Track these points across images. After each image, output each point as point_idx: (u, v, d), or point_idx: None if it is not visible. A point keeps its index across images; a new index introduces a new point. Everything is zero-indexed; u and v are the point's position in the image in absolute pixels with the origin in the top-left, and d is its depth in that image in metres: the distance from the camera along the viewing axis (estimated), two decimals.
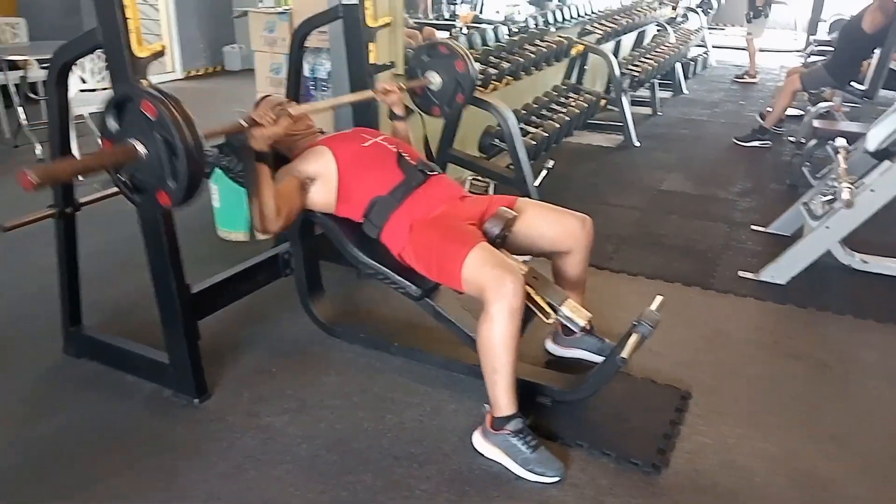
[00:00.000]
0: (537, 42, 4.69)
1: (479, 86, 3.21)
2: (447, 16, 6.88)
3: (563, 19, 5.41)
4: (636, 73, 5.69)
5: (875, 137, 3.18)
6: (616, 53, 6.24)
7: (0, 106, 5.28)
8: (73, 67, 2.26)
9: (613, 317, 2.70)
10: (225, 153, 2.60)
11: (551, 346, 2.54)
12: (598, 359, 2.37)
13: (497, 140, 3.73)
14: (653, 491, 1.94)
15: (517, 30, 4.86)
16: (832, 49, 5.67)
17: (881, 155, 3.14)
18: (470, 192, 3.39)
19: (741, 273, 3.25)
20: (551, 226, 2.27)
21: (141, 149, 1.68)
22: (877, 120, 3.31)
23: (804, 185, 4.22)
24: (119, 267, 3.14)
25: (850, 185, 2.87)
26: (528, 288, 1.98)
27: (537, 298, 2.02)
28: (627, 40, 7.00)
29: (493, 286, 1.91)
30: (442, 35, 4.80)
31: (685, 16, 8.56)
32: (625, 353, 1.93)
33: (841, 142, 3.29)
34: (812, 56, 7.16)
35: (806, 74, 5.41)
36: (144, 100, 1.63)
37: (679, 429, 2.18)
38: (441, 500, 1.89)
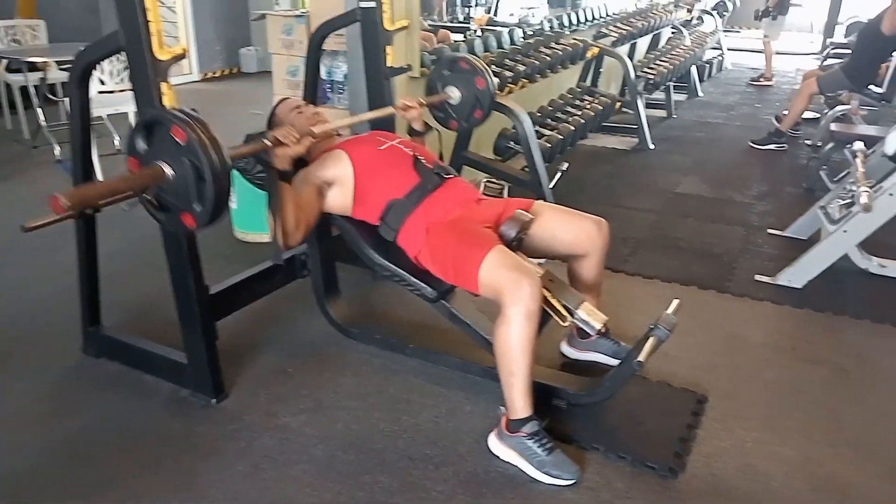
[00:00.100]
0: (552, 45, 4.70)
1: None
2: (461, 18, 6.90)
3: (579, 22, 5.41)
4: (651, 76, 5.68)
5: (894, 141, 3.16)
6: (631, 56, 6.25)
7: (19, 107, 5.33)
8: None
9: (628, 320, 2.70)
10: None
11: (566, 349, 2.54)
12: (614, 362, 2.38)
13: (512, 142, 3.73)
14: (669, 495, 1.94)
15: (532, 32, 4.86)
16: (849, 52, 5.63)
17: None
18: (484, 194, 3.40)
19: (758, 277, 3.23)
20: (567, 229, 2.27)
21: (168, 171, 1.68)
22: None
23: (821, 189, 4.20)
24: (138, 267, 3.17)
25: (868, 189, 2.86)
26: (544, 291, 1.98)
27: (553, 301, 2.02)
28: (642, 43, 7.00)
29: (510, 289, 1.92)
30: (457, 38, 4.82)
31: (700, 18, 8.54)
32: (641, 357, 1.92)
33: (859, 145, 3.27)
34: (828, 59, 7.11)
35: (823, 77, 5.38)
36: (175, 125, 1.64)
37: (696, 433, 2.17)
38: (457, 502, 1.89)
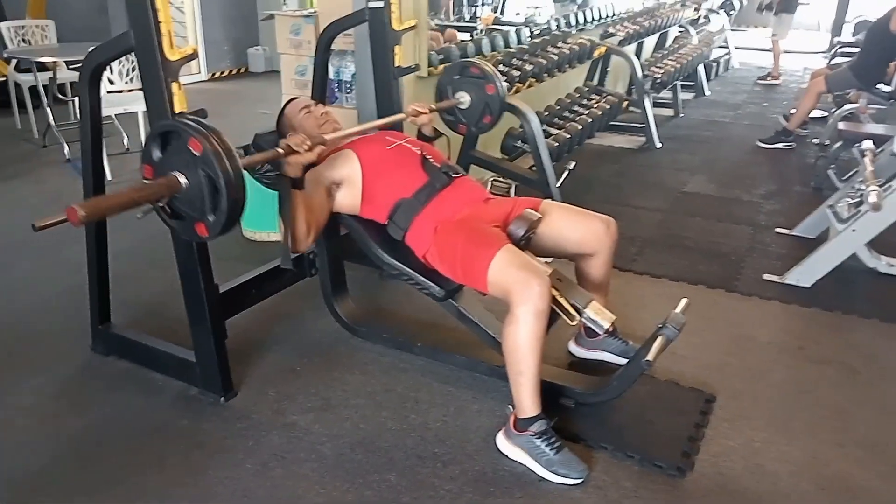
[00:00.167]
0: (560, 44, 4.69)
1: None
2: (468, 18, 6.89)
3: (586, 21, 5.41)
4: (658, 75, 5.67)
5: None
6: (638, 55, 6.23)
7: (29, 106, 5.36)
8: None
9: (636, 319, 2.70)
10: (250, 153, 2.63)
11: (574, 348, 2.54)
12: (621, 361, 2.37)
13: (520, 141, 3.74)
14: (677, 494, 1.94)
15: (539, 32, 4.86)
16: (857, 50, 5.61)
17: None
18: (491, 192, 3.40)
19: (766, 276, 3.23)
20: (576, 228, 2.28)
21: (183, 180, 1.69)
22: None
23: (829, 188, 4.18)
24: (148, 266, 3.19)
25: (877, 188, 2.85)
26: (552, 290, 1.98)
27: (562, 300, 2.02)
28: (650, 42, 6.98)
29: (519, 288, 1.92)
30: (463, 37, 4.82)
31: (707, 17, 8.51)
32: (650, 357, 1.92)
33: (868, 144, 3.26)
34: (836, 57, 7.09)
35: (831, 76, 5.36)
36: (193, 138, 1.64)
37: (704, 432, 2.17)
38: (465, 501, 1.90)
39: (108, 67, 4.75)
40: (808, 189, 4.51)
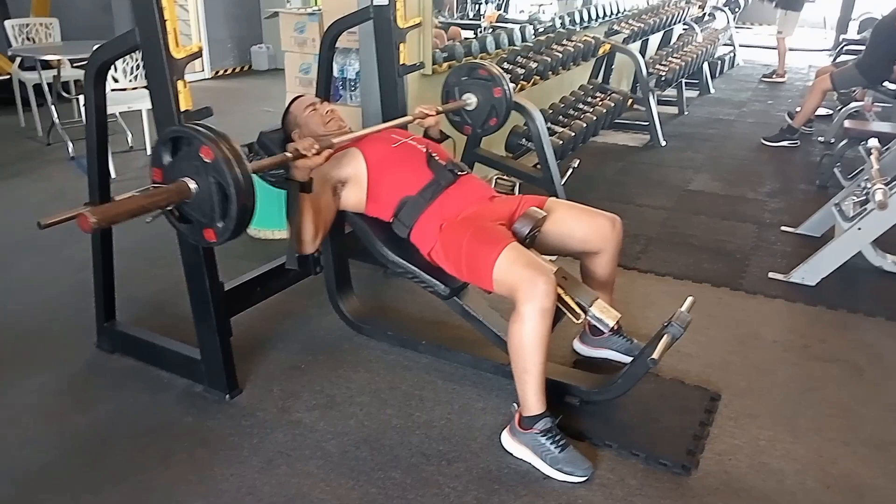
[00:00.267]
0: (564, 42, 4.68)
1: None
2: (471, 15, 6.88)
3: (590, 18, 5.40)
4: (663, 73, 5.65)
5: None
6: (643, 53, 6.23)
7: (33, 104, 5.37)
8: None
9: (641, 317, 2.70)
10: (255, 152, 2.63)
11: (579, 346, 2.54)
12: (626, 359, 2.38)
13: (524, 139, 3.73)
14: (682, 492, 1.93)
15: (543, 29, 4.86)
16: (863, 48, 5.59)
17: None
18: (495, 190, 3.40)
19: (771, 274, 3.22)
20: (581, 226, 2.27)
21: (193, 186, 1.69)
22: None
23: (835, 186, 4.17)
24: (153, 263, 3.19)
25: (883, 186, 2.84)
26: (557, 288, 1.98)
27: (567, 299, 2.02)
28: (654, 39, 6.96)
29: (524, 286, 1.92)
30: (467, 35, 4.81)
31: (712, 14, 8.49)
32: (656, 355, 1.92)
33: (874, 142, 3.25)
34: (841, 55, 7.07)
35: (837, 74, 5.34)
36: (204, 146, 1.64)
37: (709, 430, 2.17)
38: (470, 498, 1.90)
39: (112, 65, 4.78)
40: (813, 187, 4.51)
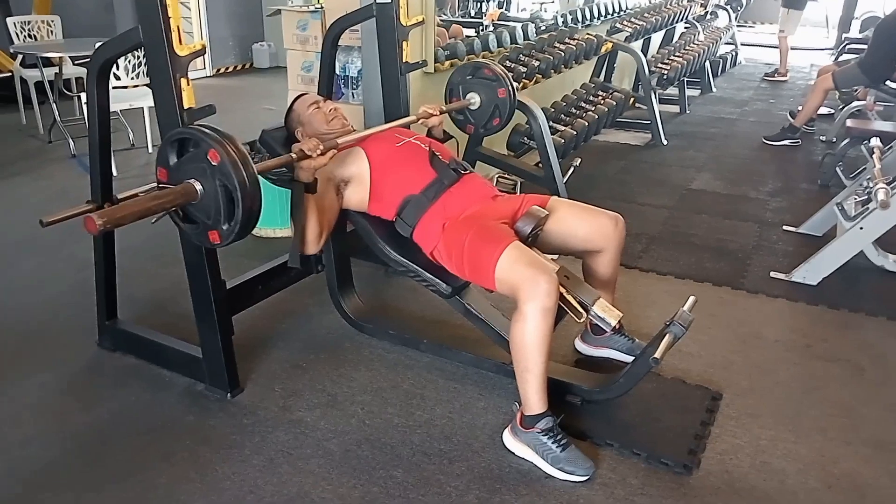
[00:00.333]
0: (566, 40, 4.68)
1: None
2: (473, 13, 6.87)
3: (592, 17, 5.39)
4: (665, 71, 5.65)
5: None
6: (645, 51, 6.21)
7: (34, 102, 5.36)
8: None
9: (642, 316, 2.70)
10: (257, 150, 2.63)
11: (581, 346, 2.54)
12: (627, 358, 2.38)
13: (526, 138, 3.73)
14: (684, 491, 1.93)
15: (545, 28, 4.85)
16: (865, 47, 5.59)
17: None
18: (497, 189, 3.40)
19: (773, 273, 3.22)
20: (583, 224, 2.27)
21: (199, 188, 1.69)
22: None
23: (836, 185, 4.17)
24: (155, 262, 3.19)
25: (885, 186, 2.84)
26: (559, 287, 1.98)
27: (569, 298, 2.02)
28: (656, 38, 6.95)
29: (526, 285, 1.92)
30: (468, 33, 4.81)
31: (714, 13, 8.48)
32: (658, 354, 1.92)
33: (876, 142, 3.25)
34: (844, 54, 7.06)
35: (839, 73, 5.33)
36: (212, 149, 1.63)
37: (710, 430, 2.17)
38: (471, 498, 1.90)
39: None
40: (815, 186, 4.50)
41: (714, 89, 7.47)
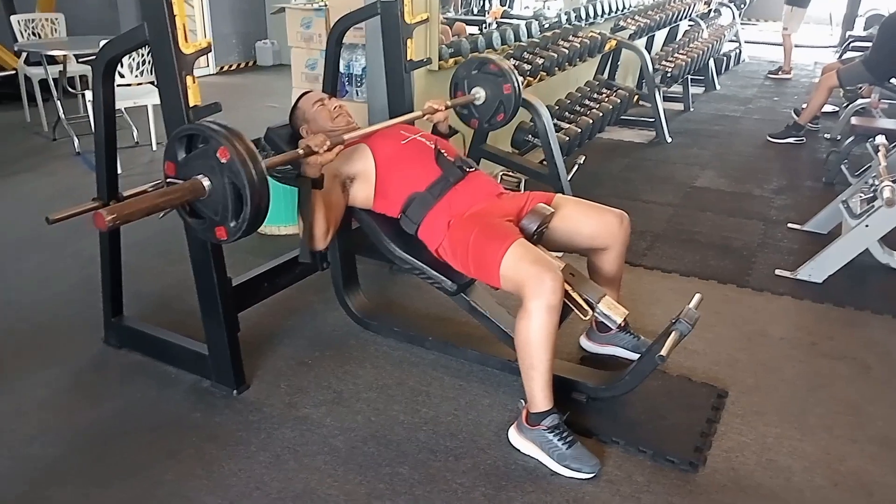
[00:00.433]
0: (570, 38, 4.68)
1: None
2: (476, 11, 6.87)
3: (596, 14, 5.38)
4: (669, 69, 5.65)
5: None
6: (649, 49, 6.21)
7: (39, 100, 5.37)
8: None
9: (647, 314, 2.70)
10: (262, 147, 2.63)
11: (586, 343, 2.54)
12: (633, 356, 2.38)
13: (530, 136, 3.73)
14: (690, 489, 1.93)
15: (549, 25, 4.85)
16: (869, 44, 5.57)
17: None
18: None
19: (778, 271, 3.21)
20: (589, 222, 2.27)
21: (207, 184, 1.69)
22: None
23: (841, 183, 4.16)
24: (161, 259, 3.20)
25: (890, 184, 2.83)
26: (565, 284, 1.98)
27: (574, 295, 2.02)
28: (660, 36, 6.94)
29: (531, 283, 1.92)
30: (472, 31, 4.81)
31: (718, 11, 8.47)
32: (664, 352, 1.92)
33: (881, 139, 3.24)
34: (848, 52, 7.04)
35: (843, 70, 5.31)
36: (222, 146, 1.63)
37: (716, 427, 2.17)
38: (477, 494, 1.90)
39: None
40: (820, 184, 4.49)
41: (718, 87, 7.45)
